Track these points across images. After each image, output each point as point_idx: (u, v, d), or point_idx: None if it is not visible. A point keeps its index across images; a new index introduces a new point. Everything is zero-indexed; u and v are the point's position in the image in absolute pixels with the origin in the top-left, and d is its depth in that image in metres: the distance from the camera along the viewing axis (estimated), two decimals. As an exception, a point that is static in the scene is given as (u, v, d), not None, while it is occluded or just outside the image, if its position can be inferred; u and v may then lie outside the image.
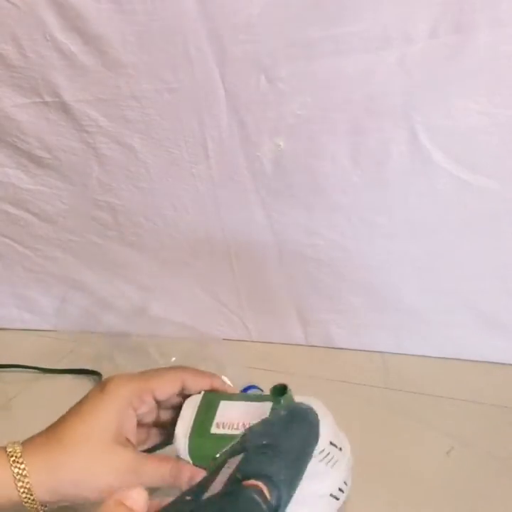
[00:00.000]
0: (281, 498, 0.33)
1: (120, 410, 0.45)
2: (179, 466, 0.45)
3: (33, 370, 0.75)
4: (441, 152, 0.62)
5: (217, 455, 0.42)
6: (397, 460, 0.59)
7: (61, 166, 0.73)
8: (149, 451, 0.52)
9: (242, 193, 0.70)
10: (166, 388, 0.48)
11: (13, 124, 0.70)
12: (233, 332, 0.80)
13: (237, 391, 0.52)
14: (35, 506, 0.42)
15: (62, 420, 0.45)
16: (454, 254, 0.68)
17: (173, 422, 0.48)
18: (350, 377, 0.71)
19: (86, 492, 0.43)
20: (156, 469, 0.45)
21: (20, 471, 0.42)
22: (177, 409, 0.50)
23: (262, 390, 0.64)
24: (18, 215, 0.78)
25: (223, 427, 0.45)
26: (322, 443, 0.45)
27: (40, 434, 0.45)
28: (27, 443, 0.45)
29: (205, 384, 0.49)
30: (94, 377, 0.74)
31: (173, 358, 0.65)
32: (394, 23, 0.57)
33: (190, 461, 0.46)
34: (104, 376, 0.73)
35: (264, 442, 0.36)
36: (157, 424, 0.51)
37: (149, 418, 0.50)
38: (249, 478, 0.32)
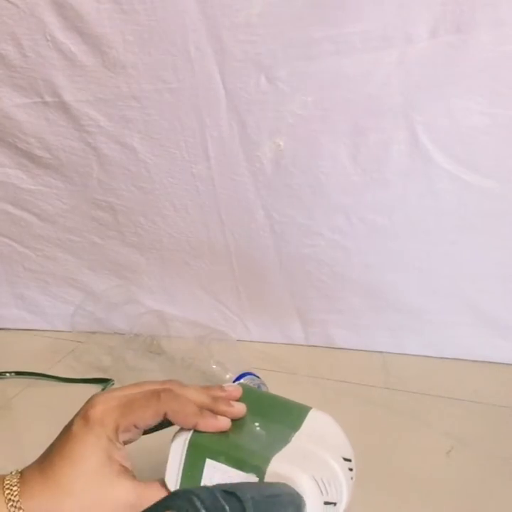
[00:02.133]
0: None
1: (105, 448, 0.44)
2: None
3: (34, 377, 0.75)
4: (441, 152, 0.62)
5: None
6: (397, 460, 0.59)
7: (61, 166, 0.73)
8: (148, 432, 0.51)
9: (242, 193, 0.70)
10: (148, 421, 0.47)
11: (13, 124, 0.70)
12: (233, 332, 0.80)
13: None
14: None
15: (51, 459, 0.45)
16: (454, 254, 0.68)
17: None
18: (350, 377, 0.71)
19: None
20: (156, 498, 0.45)
21: (14, 504, 0.41)
22: None
23: (258, 377, 0.64)
24: (18, 215, 0.78)
25: None
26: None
27: (34, 473, 0.45)
28: (23, 483, 0.44)
29: (188, 424, 0.47)
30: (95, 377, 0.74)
31: (228, 375, 0.65)
32: (394, 23, 0.57)
33: None
34: (114, 378, 0.73)
35: None
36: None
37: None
38: None
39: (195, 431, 0.45)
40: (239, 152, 0.67)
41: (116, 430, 0.45)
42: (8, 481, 0.42)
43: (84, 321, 0.82)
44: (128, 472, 0.45)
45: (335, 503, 0.44)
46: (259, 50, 0.60)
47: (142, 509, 0.42)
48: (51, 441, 0.61)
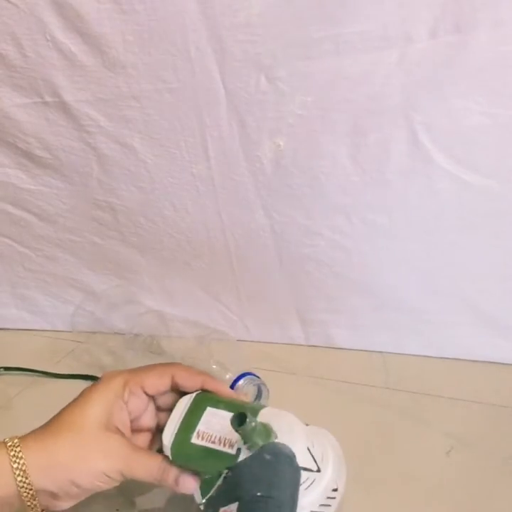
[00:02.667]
0: None
1: (110, 400, 0.47)
2: (166, 466, 0.46)
3: (35, 374, 0.75)
4: (441, 152, 0.62)
5: (210, 494, 0.45)
6: (397, 460, 0.59)
7: (61, 166, 0.73)
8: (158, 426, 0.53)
9: (242, 193, 0.70)
10: (155, 381, 0.50)
11: (13, 124, 0.70)
12: (233, 332, 0.80)
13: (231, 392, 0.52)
14: (31, 492, 0.43)
15: (57, 414, 0.47)
16: (454, 254, 0.68)
17: None
18: (350, 377, 0.71)
19: (78, 477, 0.44)
20: (144, 462, 0.46)
21: (16, 454, 0.43)
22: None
23: (258, 377, 0.64)
24: (18, 215, 0.78)
25: (202, 439, 0.46)
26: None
27: (37, 429, 0.47)
28: (25, 436, 0.46)
29: (196, 382, 0.50)
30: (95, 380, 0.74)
31: (228, 375, 0.65)
32: (394, 23, 0.57)
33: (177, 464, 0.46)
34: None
35: (258, 494, 0.41)
36: (161, 428, 0.51)
37: (150, 421, 0.51)
38: None
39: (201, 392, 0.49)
40: (239, 152, 0.67)
41: (125, 386, 0.48)
42: (9, 442, 0.44)
43: (84, 321, 0.82)
44: (121, 434, 0.47)
45: (336, 489, 0.45)
46: (259, 50, 0.60)
47: (129, 467, 0.45)
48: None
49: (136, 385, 0.49)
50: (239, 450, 0.44)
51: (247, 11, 0.58)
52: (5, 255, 0.82)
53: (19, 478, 0.42)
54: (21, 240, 0.81)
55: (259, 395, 0.64)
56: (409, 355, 0.75)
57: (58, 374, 0.74)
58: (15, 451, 0.43)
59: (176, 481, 0.46)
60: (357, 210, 0.68)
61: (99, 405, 0.47)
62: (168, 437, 0.47)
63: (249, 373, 0.64)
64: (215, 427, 0.47)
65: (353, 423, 0.62)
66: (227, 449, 0.45)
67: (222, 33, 0.60)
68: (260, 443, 0.43)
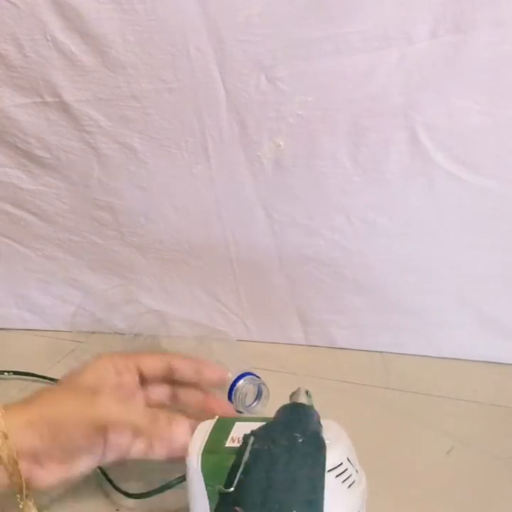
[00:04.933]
0: None
1: (103, 370, 0.46)
2: (156, 410, 0.45)
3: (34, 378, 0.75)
4: (441, 152, 0.62)
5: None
6: (397, 460, 0.58)
7: (61, 166, 0.73)
8: (146, 495, 0.52)
9: (242, 193, 0.70)
10: (153, 362, 0.49)
11: (13, 124, 0.70)
12: (233, 332, 0.80)
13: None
14: (12, 455, 0.40)
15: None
16: (454, 254, 0.68)
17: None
18: (350, 377, 0.71)
19: (60, 429, 0.41)
20: (132, 407, 0.45)
21: None
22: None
23: (258, 377, 0.64)
24: (18, 215, 0.78)
25: (238, 442, 0.44)
26: (339, 458, 0.43)
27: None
28: (7, 404, 0.44)
29: (192, 367, 0.49)
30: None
31: (228, 375, 0.65)
32: (394, 23, 0.57)
33: (202, 478, 0.44)
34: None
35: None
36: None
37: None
38: None
39: None
40: (239, 152, 0.67)
41: (122, 360, 0.47)
42: None
43: (84, 321, 0.82)
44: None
45: (357, 470, 0.44)
46: (259, 50, 0.60)
47: (114, 418, 0.42)
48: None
49: (133, 363, 0.48)
50: None
51: (247, 11, 0.58)
52: (5, 255, 0.82)
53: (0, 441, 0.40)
54: (21, 240, 0.81)
55: (259, 395, 0.64)
56: (409, 355, 0.74)
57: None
58: None
59: (169, 421, 0.44)
60: (357, 210, 0.68)
61: (90, 372, 0.46)
62: (195, 451, 0.44)
63: (249, 373, 0.64)
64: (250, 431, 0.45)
65: (353, 423, 0.62)
66: None
67: (222, 33, 0.60)
68: None
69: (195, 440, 0.46)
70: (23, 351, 0.80)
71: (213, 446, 0.45)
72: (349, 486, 0.42)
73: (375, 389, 0.70)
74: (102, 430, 0.43)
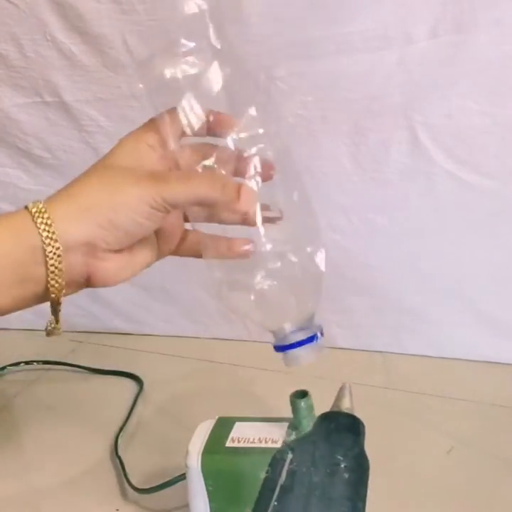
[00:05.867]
0: None
1: (136, 147, 0.41)
2: (221, 175, 0.39)
3: (38, 367, 0.75)
4: (442, 152, 0.62)
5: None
6: (397, 460, 0.58)
7: (61, 166, 0.73)
8: (156, 489, 0.52)
9: (242, 193, 0.70)
10: (171, 131, 0.42)
11: (13, 123, 0.70)
12: (233, 332, 0.80)
13: None
14: (58, 251, 0.36)
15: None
16: (454, 254, 0.68)
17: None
18: (350, 377, 0.71)
19: (113, 213, 0.37)
20: (190, 175, 0.39)
21: (38, 210, 0.37)
22: None
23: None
24: (18, 215, 0.78)
25: (238, 442, 0.45)
26: None
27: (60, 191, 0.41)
28: (47, 197, 0.40)
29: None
30: (96, 375, 0.74)
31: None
32: (394, 23, 0.57)
33: (202, 478, 0.44)
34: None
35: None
36: None
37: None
38: None
39: None
40: (239, 152, 0.67)
41: (148, 132, 0.42)
42: (30, 204, 0.39)
43: (84, 321, 0.82)
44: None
45: None
46: (259, 50, 0.60)
47: (169, 183, 0.37)
48: (52, 440, 0.61)
49: (156, 132, 0.42)
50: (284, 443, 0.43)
51: (247, 11, 0.58)
52: (5, 255, 0.82)
53: (45, 234, 0.36)
54: (21, 240, 0.81)
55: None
56: (409, 355, 0.74)
57: (63, 362, 0.74)
58: (37, 207, 0.38)
59: (238, 189, 0.38)
60: (357, 210, 0.68)
61: (125, 151, 0.41)
62: (195, 451, 0.44)
63: None
64: (250, 433, 0.45)
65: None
66: (271, 445, 0.44)
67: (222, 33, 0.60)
68: (308, 428, 0.42)
69: (195, 440, 0.46)
70: (23, 351, 0.80)
71: (213, 446, 0.45)
72: None
73: (375, 389, 0.70)
74: (165, 211, 0.38)
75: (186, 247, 0.45)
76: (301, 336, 0.45)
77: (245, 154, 0.41)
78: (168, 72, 0.41)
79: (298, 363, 0.44)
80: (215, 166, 0.40)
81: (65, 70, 0.65)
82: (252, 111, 0.41)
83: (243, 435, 0.45)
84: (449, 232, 0.67)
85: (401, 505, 0.54)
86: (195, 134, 0.42)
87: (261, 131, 0.41)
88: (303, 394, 0.43)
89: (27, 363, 0.75)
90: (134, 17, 0.61)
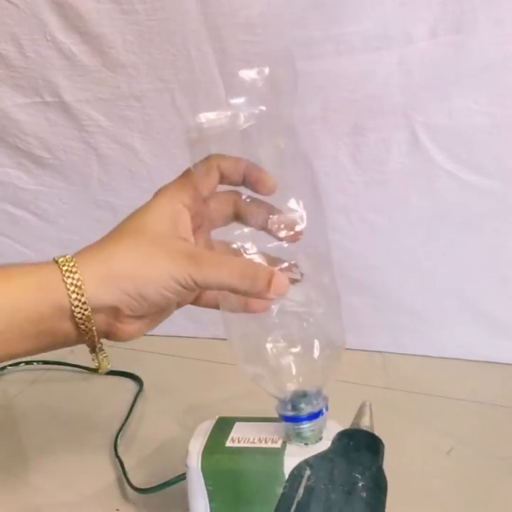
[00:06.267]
0: None
1: (171, 207, 0.41)
2: (254, 263, 0.39)
3: (38, 367, 0.75)
4: (442, 152, 0.62)
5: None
6: (397, 460, 0.58)
7: (61, 166, 0.73)
8: (156, 489, 0.52)
9: (242, 193, 0.70)
10: (206, 180, 0.42)
11: (13, 123, 0.70)
12: (233, 332, 0.80)
13: None
14: (86, 312, 0.37)
15: (113, 229, 0.42)
16: (453, 254, 0.68)
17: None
18: (350, 377, 0.71)
19: (142, 284, 0.37)
20: (221, 259, 0.39)
21: (69, 269, 0.38)
22: None
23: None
24: (18, 215, 0.78)
25: (239, 442, 0.45)
26: None
27: (92, 244, 0.42)
28: (78, 251, 0.41)
29: (239, 166, 0.42)
30: (96, 375, 0.74)
31: None
32: (394, 23, 0.57)
33: (202, 478, 0.44)
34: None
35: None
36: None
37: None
38: None
39: None
40: (239, 152, 0.67)
41: (181, 190, 0.42)
42: (60, 258, 0.39)
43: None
44: (187, 240, 0.41)
45: None
46: (259, 50, 0.60)
47: (201, 268, 0.38)
48: (52, 440, 0.61)
49: (191, 188, 0.42)
50: (284, 443, 0.43)
51: (247, 11, 0.58)
52: (5, 255, 0.82)
53: (73, 296, 0.36)
54: (21, 240, 0.81)
55: None
56: (409, 355, 0.74)
57: (63, 362, 0.74)
58: (68, 265, 0.38)
59: (270, 279, 0.37)
60: (357, 210, 0.68)
61: (161, 212, 0.41)
62: (195, 451, 0.45)
63: None
64: (250, 433, 0.45)
65: (353, 423, 0.62)
66: (271, 445, 0.44)
67: (222, 33, 0.60)
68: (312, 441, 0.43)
69: (195, 440, 0.46)
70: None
71: (213, 446, 0.45)
72: None
73: (375, 389, 0.69)
74: (194, 290, 0.39)
75: (204, 300, 0.46)
76: (308, 409, 0.44)
77: (276, 215, 0.42)
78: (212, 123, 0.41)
79: (300, 441, 0.43)
80: (248, 249, 0.41)
81: (65, 70, 0.65)
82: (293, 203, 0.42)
83: (243, 435, 0.45)
84: (449, 231, 0.67)
85: (400, 505, 0.54)
86: (230, 183, 0.43)
87: (299, 228, 0.42)
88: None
89: (27, 363, 0.75)
90: (134, 17, 0.61)
